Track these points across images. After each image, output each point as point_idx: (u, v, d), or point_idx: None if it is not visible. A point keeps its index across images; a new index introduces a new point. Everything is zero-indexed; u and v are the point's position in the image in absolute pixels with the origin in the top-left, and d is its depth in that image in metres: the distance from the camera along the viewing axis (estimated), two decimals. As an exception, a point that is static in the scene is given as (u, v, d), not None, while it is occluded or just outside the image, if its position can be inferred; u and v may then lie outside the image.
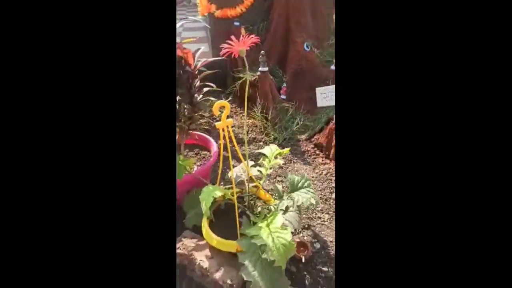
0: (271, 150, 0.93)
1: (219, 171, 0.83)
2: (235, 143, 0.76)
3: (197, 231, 0.87)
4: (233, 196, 0.77)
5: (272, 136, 1.49)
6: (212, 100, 0.91)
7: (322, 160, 1.34)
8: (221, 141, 0.75)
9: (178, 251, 0.82)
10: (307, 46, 1.68)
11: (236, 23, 1.78)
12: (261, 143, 1.50)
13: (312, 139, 1.46)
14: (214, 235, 0.77)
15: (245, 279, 0.65)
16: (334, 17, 1.96)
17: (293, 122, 1.56)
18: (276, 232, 0.67)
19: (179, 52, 0.80)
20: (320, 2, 1.88)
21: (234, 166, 1.02)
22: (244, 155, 0.89)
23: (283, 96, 1.67)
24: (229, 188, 0.83)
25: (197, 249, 0.81)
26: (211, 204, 0.70)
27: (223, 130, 0.72)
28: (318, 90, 1.21)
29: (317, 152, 1.40)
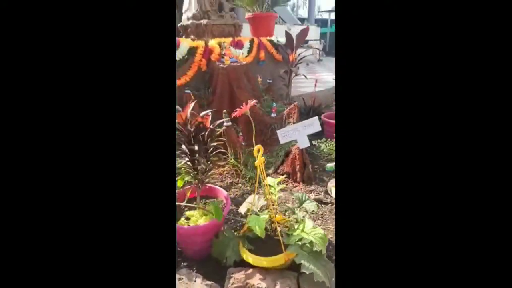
0: (273, 180, 1.23)
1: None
2: (265, 175, 1.04)
3: (220, 267, 1.00)
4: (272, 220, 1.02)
5: (248, 176, 1.77)
6: (224, 154, 1.16)
7: (293, 184, 1.71)
8: (258, 174, 1.01)
9: (233, 286, 0.93)
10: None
11: (187, 91, 2.10)
12: (239, 184, 1.75)
13: (279, 171, 1.83)
14: (262, 258, 0.95)
15: (307, 272, 0.86)
16: (259, 79, 2.54)
17: (258, 162, 1.91)
18: (312, 231, 0.96)
19: (199, 118, 1.06)
20: (249, 70, 2.44)
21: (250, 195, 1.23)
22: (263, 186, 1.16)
23: (243, 143, 2.01)
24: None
25: (248, 277, 0.94)
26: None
27: (259, 166, 0.99)
28: (279, 132, 1.62)
29: (286, 179, 1.77)
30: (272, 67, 2.94)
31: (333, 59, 8.31)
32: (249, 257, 0.98)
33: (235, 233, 1.08)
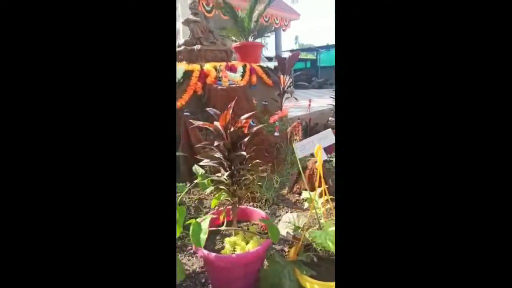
0: (309, 193, 1.11)
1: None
2: (323, 180, 0.92)
3: None
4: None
5: (265, 198, 1.62)
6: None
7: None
8: (318, 177, 0.89)
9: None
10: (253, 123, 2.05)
11: (186, 113, 1.98)
12: (256, 205, 1.59)
13: (294, 190, 1.70)
14: (330, 283, 0.80)
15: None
16: (255, 101, 2.52)
17: (271, 182, 1.77)
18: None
19: (240, 122, 0.94)
20: (247, 91, 2.41)
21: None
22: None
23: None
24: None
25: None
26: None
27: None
28: (296, 145, 1.54)
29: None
30: (263, 90, 2.96)
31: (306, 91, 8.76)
32: (316, 286, 0.81)
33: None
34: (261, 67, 2.97)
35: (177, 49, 2.57)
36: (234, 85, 2.26)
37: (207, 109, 1.04)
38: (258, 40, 3.37)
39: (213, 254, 0.80)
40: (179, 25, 3.12)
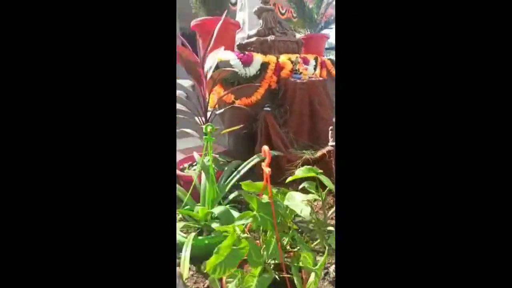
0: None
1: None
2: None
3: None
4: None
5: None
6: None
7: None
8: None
9: None
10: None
11: (267, 108, 1.84)
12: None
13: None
14: None
15: None
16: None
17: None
18: None
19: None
20: (326, 86, 2.22)
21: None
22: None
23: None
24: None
25: None
26: None
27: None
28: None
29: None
30: (332, 85, 2.75)
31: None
32: None
33: None
34: (330, 60, 2.75)
35: (247, 40, 2.45)
36: (314, 79, 2.08)
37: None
38: (325, 31, 3.14)
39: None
40: (244, 15, 3.00)
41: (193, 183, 1.09)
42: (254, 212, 0.72)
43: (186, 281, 0.90)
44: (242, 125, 1.62)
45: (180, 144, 2.12)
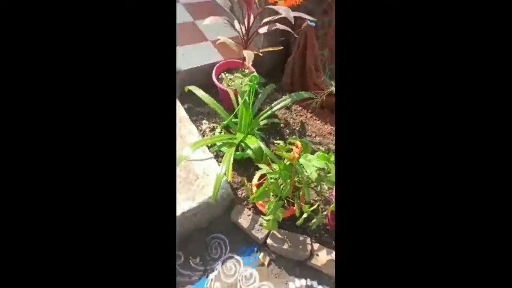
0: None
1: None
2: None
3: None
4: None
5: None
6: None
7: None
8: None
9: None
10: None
11: (312, 23, 1.73)
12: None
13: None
14: None
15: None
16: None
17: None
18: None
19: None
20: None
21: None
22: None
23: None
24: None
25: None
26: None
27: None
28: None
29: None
30: None
31: None
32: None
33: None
34: None
35: None
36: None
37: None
38: None
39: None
40: None
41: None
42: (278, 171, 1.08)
43: (230, 182, 1.34)
44: (281, 48, 1.62)
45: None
